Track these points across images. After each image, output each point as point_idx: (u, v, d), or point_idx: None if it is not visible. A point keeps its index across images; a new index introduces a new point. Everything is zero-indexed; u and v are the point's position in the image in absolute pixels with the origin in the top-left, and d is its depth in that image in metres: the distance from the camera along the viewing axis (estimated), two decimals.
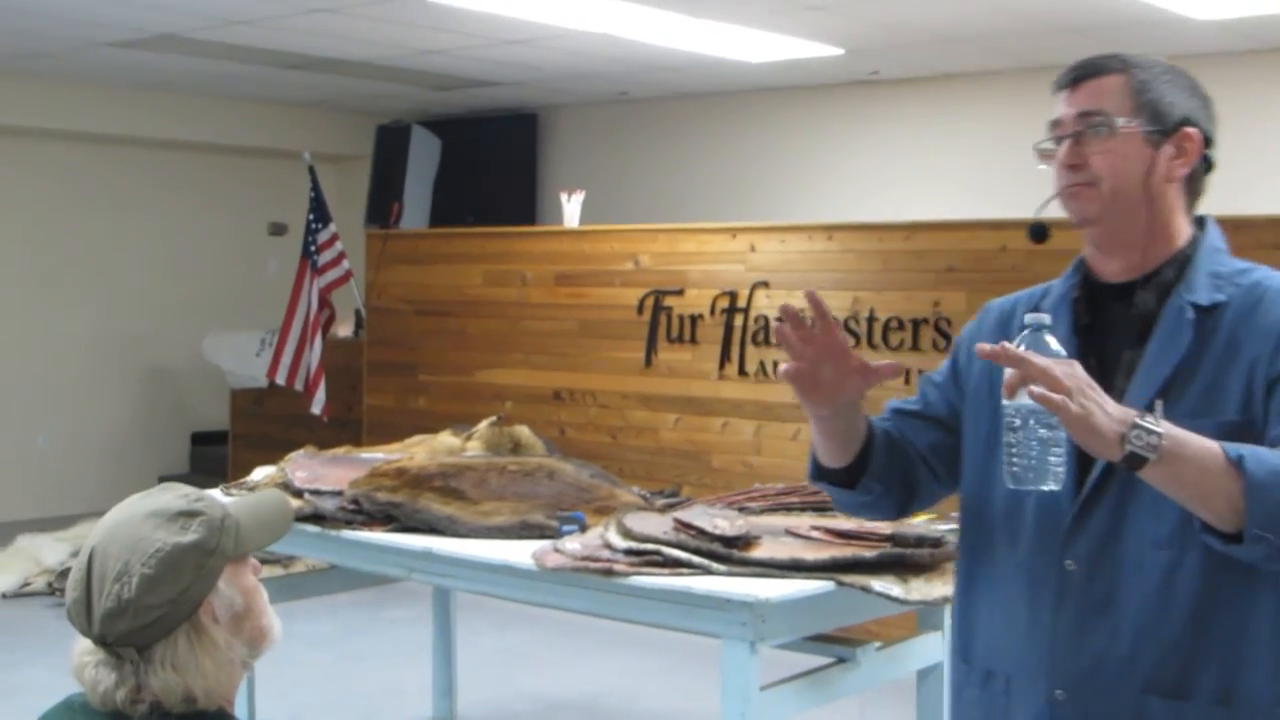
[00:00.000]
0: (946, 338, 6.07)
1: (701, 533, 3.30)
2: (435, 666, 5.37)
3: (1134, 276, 1.97)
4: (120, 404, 10.13)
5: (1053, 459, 1.75)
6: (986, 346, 1.74)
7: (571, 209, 7.54)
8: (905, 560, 3.17)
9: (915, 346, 6.20)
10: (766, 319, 6.64)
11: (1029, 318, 1.80)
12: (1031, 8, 6.31)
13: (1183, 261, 1.96)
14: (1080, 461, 1.89)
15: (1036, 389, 1.68)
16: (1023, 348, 1.75)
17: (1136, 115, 1.94)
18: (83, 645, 1.83)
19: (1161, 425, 1.70)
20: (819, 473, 2.13)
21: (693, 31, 6.96)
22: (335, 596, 5.91)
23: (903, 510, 2.17)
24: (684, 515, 3.46)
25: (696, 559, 3.24)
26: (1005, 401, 1.75)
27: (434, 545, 3.71)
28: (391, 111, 10.06)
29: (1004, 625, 2.01)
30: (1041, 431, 1.74)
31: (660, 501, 4.04)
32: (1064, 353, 1.77)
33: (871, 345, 6.29)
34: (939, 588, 3.14)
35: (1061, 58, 2.23)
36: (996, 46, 7.19)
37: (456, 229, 8.40)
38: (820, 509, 3.78)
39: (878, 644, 3.59)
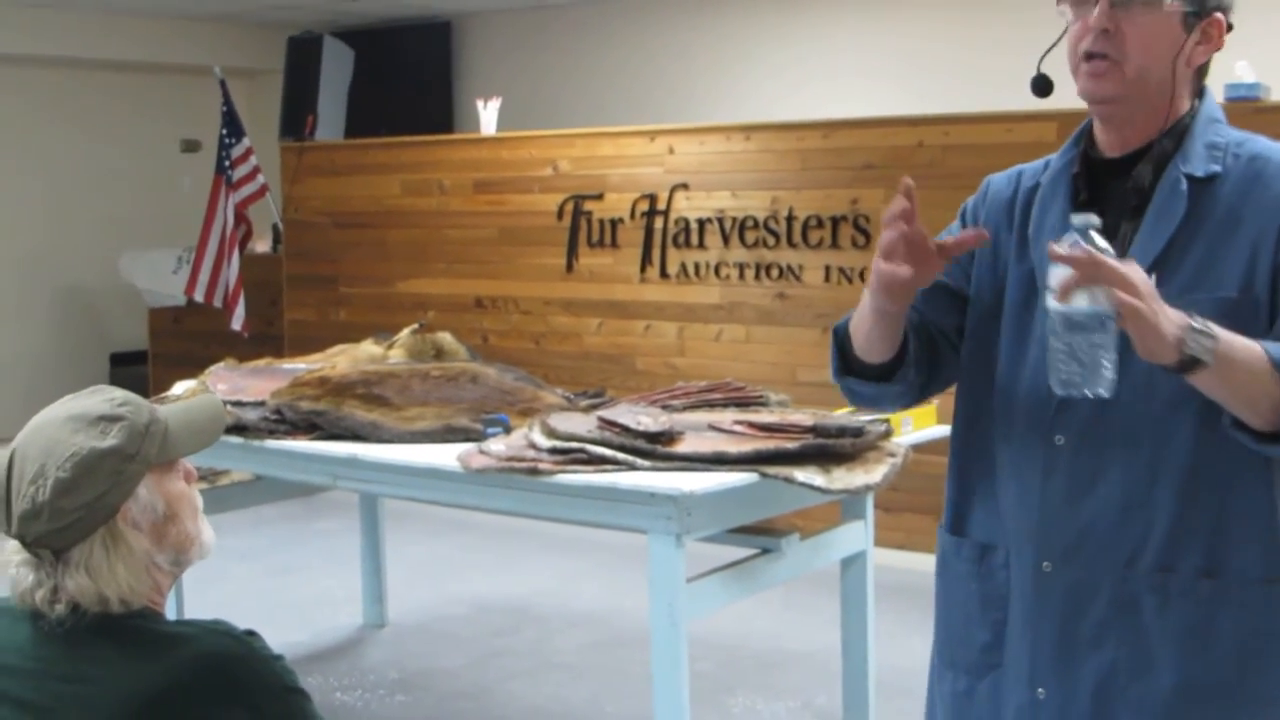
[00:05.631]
0: (866, 235, 6.10)
1: (625, 429, 3.33)
2: (365, 575, 5.39)
3: (1133, 149, 1.94)
4: (36, 327, 9.97)
5: (1105, 364, 1.71)
6: (1061, 250, 1.67)
7: (488, 116, 7.48)
8: (827, 451, 3.21)
9: (835, 244, 6.23)
10: (687, 221, 6.64)
11: (1076, 219, 1.73)
12: None
13: (1180, 133, 1.92)
14: None
15: (1118, 293, 1.64)
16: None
17: None
18: (11, 545, 1.84)
19: (1212, 328, 1.69)
20: (847, 368, 2.07)
21: None
22: (262, 510, 5.90)
23: (923, 394, 2.11)
24: (608, 413, 3.48)
25: (621, 455, 3.26)
26: (1057, 305, 1.70)
27: (359, 452, 3.71)
28: (302, 23, 9.87)
29: (1000, 499, 2.01)
30: (1095, 336, 1.69)
31: (584, 402, 4.06)
32: (1114, 251, 1.72)
33: (791, 244, 6.32)
34: (861, 477, 3.18)
35: None
36: None
37: (373, 139, 8.28)
38: (742, 404, 3.81)
39: (801, 534, 3.65)
